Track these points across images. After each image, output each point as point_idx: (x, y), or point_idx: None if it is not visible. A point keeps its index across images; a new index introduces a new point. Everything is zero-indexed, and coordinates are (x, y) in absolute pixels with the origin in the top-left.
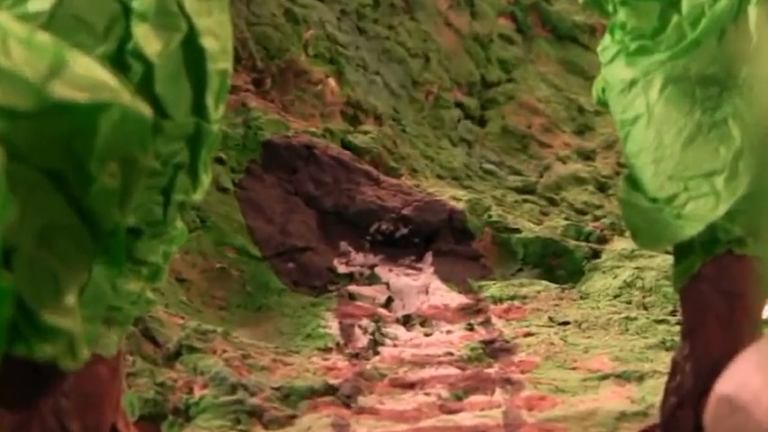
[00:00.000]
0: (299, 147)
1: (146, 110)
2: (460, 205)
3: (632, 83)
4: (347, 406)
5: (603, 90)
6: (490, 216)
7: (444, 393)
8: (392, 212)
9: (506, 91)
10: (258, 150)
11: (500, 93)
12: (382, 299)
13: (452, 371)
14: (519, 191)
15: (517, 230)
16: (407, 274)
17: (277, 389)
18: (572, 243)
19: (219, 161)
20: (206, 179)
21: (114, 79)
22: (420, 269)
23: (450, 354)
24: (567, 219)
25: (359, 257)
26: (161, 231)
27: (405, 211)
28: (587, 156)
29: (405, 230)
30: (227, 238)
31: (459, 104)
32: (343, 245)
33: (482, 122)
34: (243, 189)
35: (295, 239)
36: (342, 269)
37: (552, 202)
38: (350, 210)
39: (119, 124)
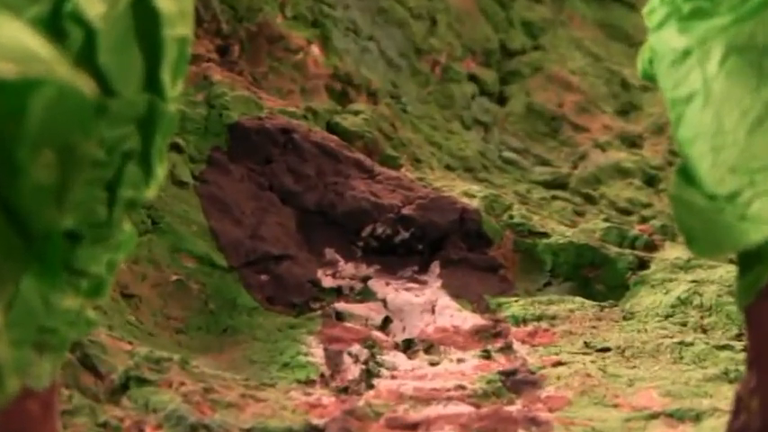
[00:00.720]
0: (275, 131)
1: (87, 86)
2: (475, 203)
3: (686, 53)
4: None
5: (651, 61)
6: (511, 217)
7: None
8: (390, 212)
9: (532, 61)
10: (223, 135)
11: (524, 63)
12: (378, 319)
13: (464, 408)
14: (547, 185)
15: (545, 235)
16: (409, 289)
17: (247, 430)
18: (613, 250)
19: (176, 148)
20: (161, 171)
21: (48, 49)
22: (424, 282)
23: (462, 387)
24: (606, 220)
25: (348, 268)
26: (105, 235)
27: (405, 211)
28: (633, 142)
29: (405, 234)
30: (185, 243)
31: (473, 78)
32: (330, 252)
33: (502, 100)
34: (205, 183)
35: (269, 245)
36: (327, 282)
37: (589, 200)
38: (337, 209)
39: (54, 104)
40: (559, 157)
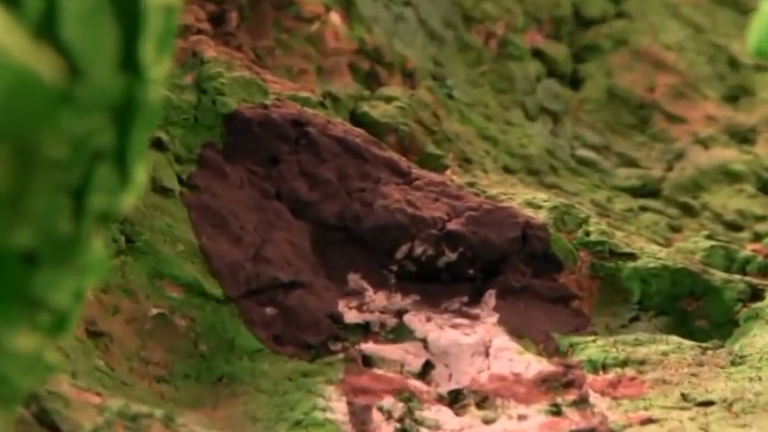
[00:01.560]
0: (283, 122)
1: (48, 67)
2: (541, 216)
3: None
4: None
5: (766, 35)
6: (588, 233)
7: None
8: (431, 227)
9: (614, 32)
10: (218, 128)
11: (604, 35)
12: (416, 365)
13: None
14: (634, 193)
15: (631, 256)
16: (456, 326)
17: None
18: (719, 276)
19: (159, 145)
20: (139, 174)
21: (1, 21)
22: (476, 317)
23: None
24: (710, 237)
25: (378, 298)
26: (70, 255)
27: (452, 226)
28: (743, 137)
29: (452, 256)
30: (169, 267)
31: (538, 54)
32: (354, 279)
33: (575, 83)
34: (194, 189)
35: (276, 270)
36: (351, 317)
37: (688, 211)
38: (364, 223)
39: (7, 91)
40: (650, 155)
